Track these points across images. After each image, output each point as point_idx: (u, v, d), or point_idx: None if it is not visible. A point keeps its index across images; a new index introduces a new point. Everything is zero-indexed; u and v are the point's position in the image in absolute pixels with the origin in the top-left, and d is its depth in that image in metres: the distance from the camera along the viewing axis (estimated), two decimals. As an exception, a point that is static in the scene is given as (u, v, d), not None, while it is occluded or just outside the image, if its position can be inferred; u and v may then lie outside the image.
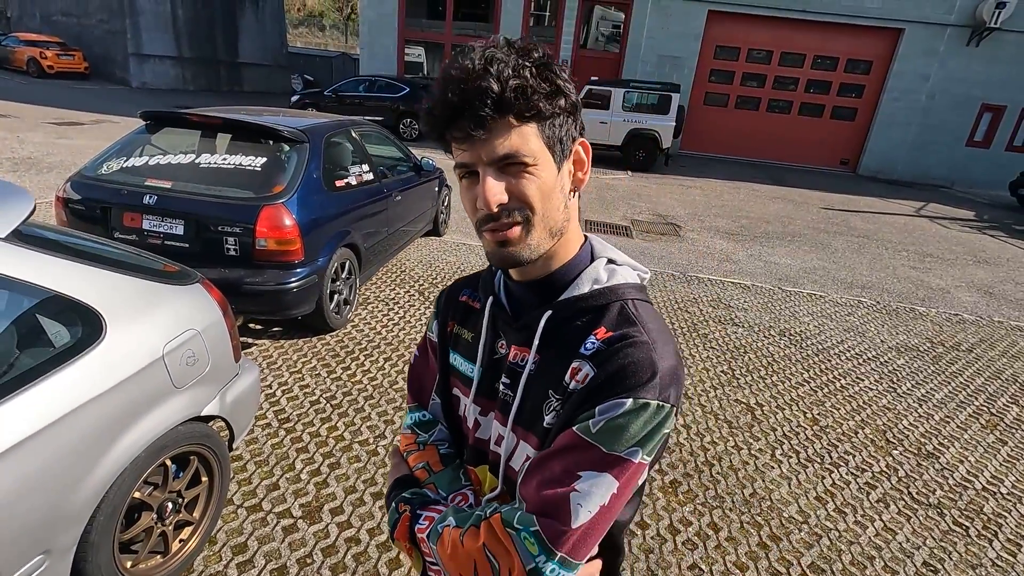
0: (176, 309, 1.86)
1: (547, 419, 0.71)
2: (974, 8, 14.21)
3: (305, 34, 41.89)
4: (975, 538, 2.53)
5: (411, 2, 16.27)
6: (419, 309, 4.32)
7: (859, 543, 2.42)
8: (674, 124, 12.14)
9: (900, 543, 2.45)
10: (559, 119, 0.66)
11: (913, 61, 14.94)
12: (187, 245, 3.16)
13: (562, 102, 0.66)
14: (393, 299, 4.47)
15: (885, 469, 2.96)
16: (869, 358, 4.33)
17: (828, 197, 11.82)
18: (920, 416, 3.54)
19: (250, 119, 3.56)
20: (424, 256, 5.59)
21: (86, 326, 1.56)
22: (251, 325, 3.76)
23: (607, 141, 12.36)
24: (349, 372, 3.34)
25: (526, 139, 0.65)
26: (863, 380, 3.95)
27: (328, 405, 3.00)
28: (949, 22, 14.53)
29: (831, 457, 3.02)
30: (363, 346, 3.67)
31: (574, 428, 0.66)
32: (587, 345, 0.69)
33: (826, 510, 2.61)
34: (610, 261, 0.77)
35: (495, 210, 0.66)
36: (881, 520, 2.58)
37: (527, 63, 0.63)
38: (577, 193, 0.74)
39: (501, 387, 0.78)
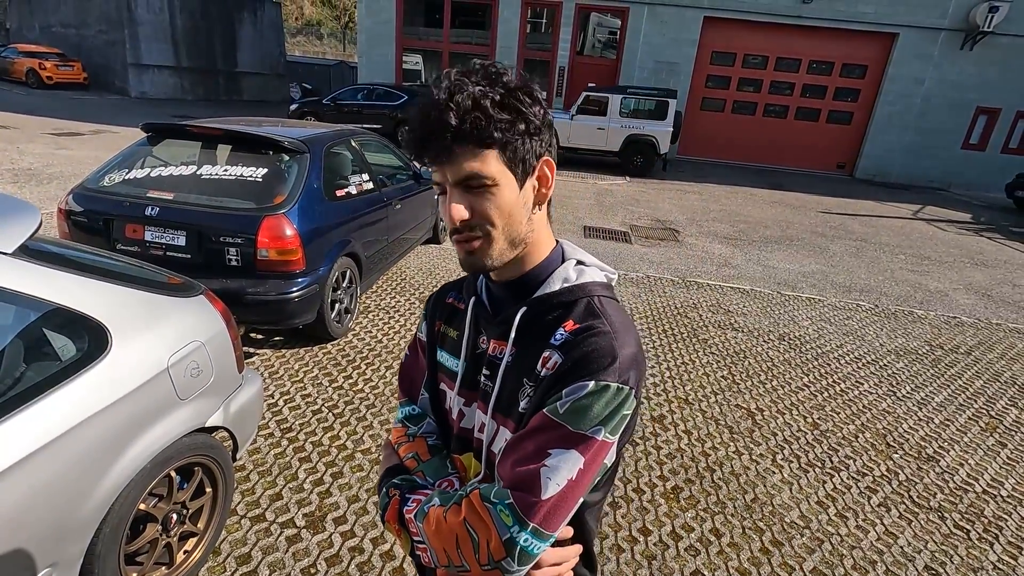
0: (180, 321, 1.87)
1: (522, 404, 0.78)
2: (967, 12, 14.33)
3: (303, 43, 42.09)
4: (976, 541, 2.54)
5: (409, 11, 16.37)
6: (419, 317, 4.33)
7: (861, 547, 2.43)
8: (671, 129, 12.20)
9: (902, 547, 2.46)
10: (520, 142, 0.72)
11: (908, 65, 15.05)
12: (189, 256, 3.18)
13: (523, 127, 0.71)
14: (394, 307, 4.48)
15: (886, 473, 2.98)
16: (868, 362, 4.34)
17: (825, 201, 11.88)
18: (920, 419, 3.56)
19: (250, 130, 3.59)
20: (424, 264, 5.61)
21: (92, 340, 1.58)
22: (253, 335, 3.77)
23: (605, 147, 12.41)
24: (351, 380, 3.36)
25: (486, 162, 0.71)
26: (863, 384, 3.96)
27: (330, 414, 3.01)
28: (943, 26, 14.64)
29: (832, 461, 3.03)
30: (364, 354, 3.68)
31: (544, 410, 0.73)
32: (556, 336, 0.76)
33: (827, 515, 2.62)
34: (579, 262, 0.84)
35: (458, 225, 0.74)
36: (882, 524, 2.59)
37: (491, 93, 0.69)
38: (541, 207, 0.80)
39: (482, 379, 0.85)
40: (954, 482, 2.96)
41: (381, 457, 2.70)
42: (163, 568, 1.87)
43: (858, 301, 5.80)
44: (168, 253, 3.19)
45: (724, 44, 15.58)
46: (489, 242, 0.76)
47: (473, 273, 0.85)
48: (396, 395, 3.22)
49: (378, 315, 4.30)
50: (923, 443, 3.29)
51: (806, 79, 15.79)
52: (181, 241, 3.18)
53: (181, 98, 21.09)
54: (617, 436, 0.73)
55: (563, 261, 0.84)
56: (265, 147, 3.52)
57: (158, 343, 1.75)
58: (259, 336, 3.78)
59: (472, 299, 0.89)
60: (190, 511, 1.93)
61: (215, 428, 2.01)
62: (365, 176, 4.22)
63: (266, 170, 3.41)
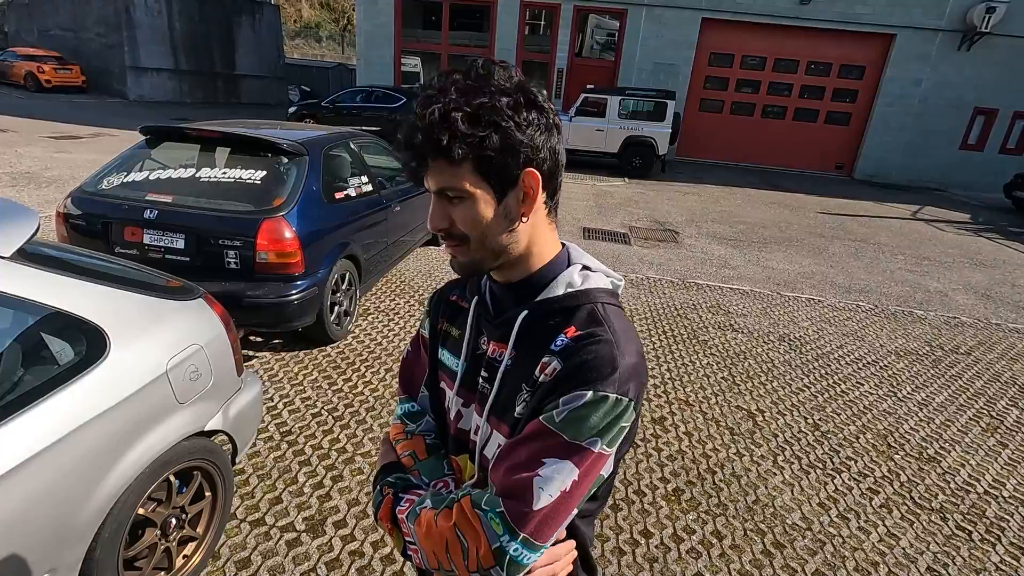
0: (179, 324, 1.87)
1: (518, 409, 0.77)
2: (964, 13, 14.35)
3: (302, 45, 42.11)
4: (978, 543, 2.54)
5: (407, 13, 16.38)
6: (419, 319, 4.32)
7: (863, 549, 2.43)
8: (670, 131, 12.21)
9: (904, 548, 2.45)
10: (495, 157, 0.70)
11: (905, 66, 15.07)
12: (188, 259, 3.17)
13: (497, 139, 0.69)
14: (393, 309, 4.47)
15: (887, 474, 2.97)
16: (869, 362, 4.34)
17: (824, 201, 11.88)
18: (921, 420, 3.55)
19: (249, 132, 3.58)
20: (424, 266, 5.60)
21: (90, 344, 1.57)
22: (252, 338, 3.76)
23: (603, 148, 12.41)
24: (350, 383, 3.35)
25: (458, 177, 0.71)
26: (863, 384, 3.96)
27: (330, 417, 3.00)
28: (940, 27, 14.67)
29: (833, 463, 3.02)
30: (364, 357, 3.67)
31: (540, 418, 0.71)
32: (557, 342, 0.75)
33: (829, 516, 2.61)
34: (584, 267, 0.82)
35: (437, 232, 0.76)
36: (884, 526, 2.58)
37: (465, 106, 0.67)
38: (527, 218, 0.76)
39: (481, 380, 0.84)
40: (955, 483, 2.95)
41: (379, 453, 2.69)
42: (162, 573, 1.85)
43: (858, 302, 5.79)
44: (167, 256, 3.18)
45: (722, 45, 15.60)
46: (467, 250, 0.76)
47: (460, 275, 0.84)
48: (396, 398, 3.21)
49: (378, 317, 4.29)
50: (924, 444, 3.29)
51: (804, 80, 15.81)
52: (180, 244, 3.17)
53: (180, 101, 21.09)
54: (615, 448, 0.72)
55: (569, 265, 0.82)
56: (264, 149, 3.51)
57: (156, 347, 1.74)
58: (258, 339, 3.77)
59: (474, 299, 0.88)
60: (189, 515, 1.92)
61: (214, 432, 2.00)
62: (364, 178, 4.22)
63: (265, 172, 3.40)
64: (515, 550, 0.69)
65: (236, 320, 2.32)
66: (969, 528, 2.62)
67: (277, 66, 26.20)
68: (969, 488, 2.92)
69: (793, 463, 2.99)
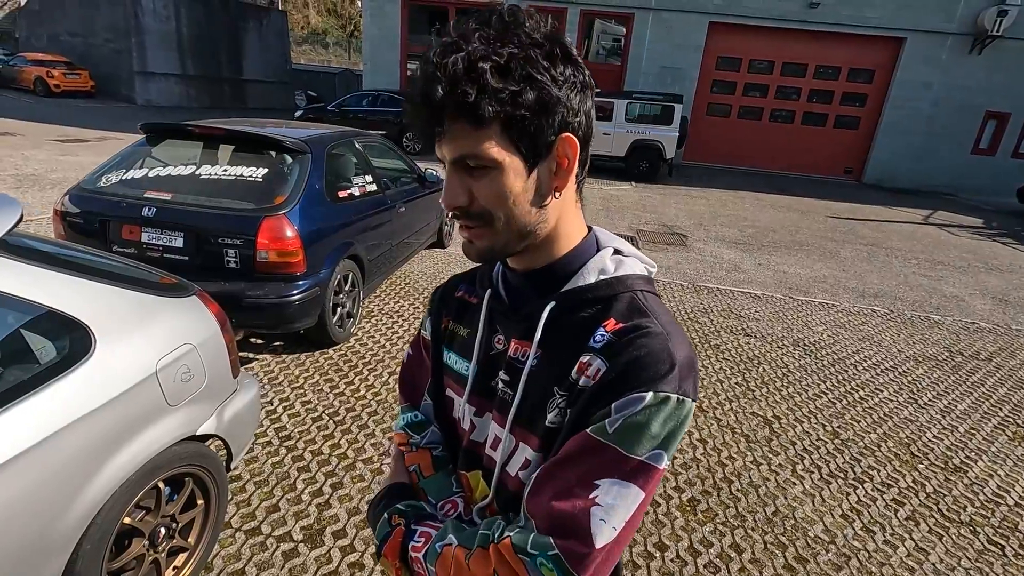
0: (170, 323, 1.77)
1: (550, 417, 0.65)
2: (975, 16, 14.23)
3: (309, 51, 42.38)
4: (1012, 558, 2.40)
5: (413, 18, 16.40)
6: (424, 312, 4.22)
7: (890, 564, 2.29)
8: (677, 135, 12.13)
9: (934, 563, 2.32)
10: (529, 118, 0.58)
11: (915, 70, 14.94)
12: (187, 258, 3.08)
13: (532, 97, 0.57)
14: (397, 312, 4.38)
15: (912, 484, 2.84)
16: (887, 368, 4.20)
17: (833, 206, 11.74)
18: (944, 428, 3.41)
19: (251, 130, 3.51)
20: (428, 268, 5.51)
21: (74, 341, 1.47)
22: (252, 339, 3.67)
23: (610, 152, 12.33)
24: (352, 387, 3.25)
25: (483, 143, 0.59)
26: (882, 391, 3.82)
27: (331, 421, 2.90)
28: (950, 30, 14.54)
29: (855, 472, 2.89)
30: (367, 360, 3.57)
31: (588, 430, 0.59)
32: (596, 338, 0.64)
33: (853, 529, 2.48)
34: (616, 251, 0.72)
35: (452, 211, 0.64)
36: (912, 539, 2.45)
37: (493, 55, 0.55)
38: (560, 193, 0.66)
39: (500, 384, 0.72)
40: (984, 494, 2.82)
41: (387, 468, 2.59)
42: (150, 586, 1.75)
43: (872, 306, 5.65)
44: (165, 255, 3.10)
45: (729, 49, 15.52)
46: (490, 233, 0.64)
47: (477, 261, 0.71)
48: (399, 401, 3.11)
49: (381, 319, 4.19)
50: (949, 453, 3.15)
51: (813, 84, 15.71)
52: (179, 242, 3.09)
53: (187, 106, 21.21)
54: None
55: (599, 249, 0.71)
56: (266, 147, 3.44)
57: (146, 345, 1.65)
58: (258, 341, 3.68)
59: (487, 292, 0.77)
60: (180, 525, 1.82)
61: (208, 436, 1.90)
62: (368, 178, 4.13)
63: (266, 170, 3.32)
64: None
65: (236, 321, 2.23)
66: (1002, 543, 2.48)
67: (284, 71, 26.34)
68: (999, 500, 2.78)
69: (813, 472, 2.86)
